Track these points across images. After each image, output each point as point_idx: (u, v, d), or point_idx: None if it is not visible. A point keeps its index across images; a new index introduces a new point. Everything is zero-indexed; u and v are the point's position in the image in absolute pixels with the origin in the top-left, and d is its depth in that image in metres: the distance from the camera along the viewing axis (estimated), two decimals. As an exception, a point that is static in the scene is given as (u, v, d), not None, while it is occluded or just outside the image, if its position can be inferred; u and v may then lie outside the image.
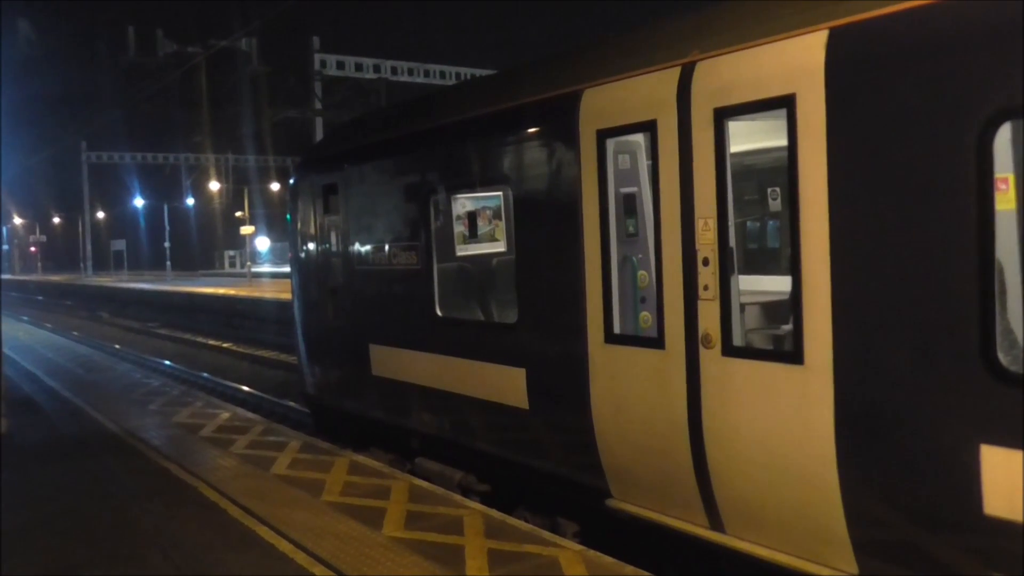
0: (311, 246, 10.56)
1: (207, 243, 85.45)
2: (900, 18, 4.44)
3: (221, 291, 38.72)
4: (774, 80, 5.00)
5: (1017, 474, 3.96)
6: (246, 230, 58.38)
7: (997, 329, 4.11)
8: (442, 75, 52.04)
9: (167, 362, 22.84)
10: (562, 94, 6.62)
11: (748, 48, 5.21)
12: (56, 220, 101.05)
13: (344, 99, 50.85)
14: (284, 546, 6.30)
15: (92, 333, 32.00)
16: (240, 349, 24.92)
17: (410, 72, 51.69)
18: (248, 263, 57.92)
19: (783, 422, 5.01)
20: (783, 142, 4.99)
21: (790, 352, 5.03)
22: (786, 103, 4.91)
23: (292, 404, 15.17)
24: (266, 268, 64.48)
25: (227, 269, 78.23)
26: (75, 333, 30.32)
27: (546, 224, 6.84)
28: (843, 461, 4.71)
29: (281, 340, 23.49)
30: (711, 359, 5.45)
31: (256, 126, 54.66)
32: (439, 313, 8.14)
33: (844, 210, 4.66)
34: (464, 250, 9.23)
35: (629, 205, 6.35)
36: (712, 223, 5.41)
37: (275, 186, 64.69)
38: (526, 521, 6.96)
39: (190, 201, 72.72)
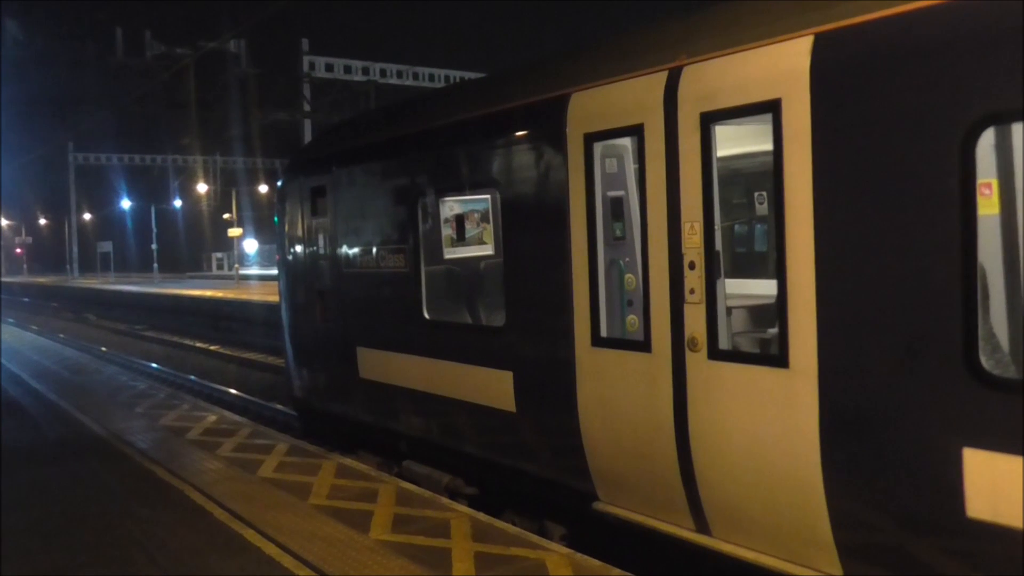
0: (299, 249, 10.54)
1: (195, 245, 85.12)
2: (884, 24, 4.47)
3: (208, 293, 38.61)
4: (760, 85, 5.03)
5: (999, 477, 4.00)
6: (234, 232, 58.19)
7: (980, 333, 4.14)
8: (431, 78, 52.08)
9: (154, 365, 22.74)
10: (550, 98, 6.64)
11: (734, 53, 5.24)
12: (43, 221, 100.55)
13: (333, 101, 50.81)
14: (271, 549, 6.29)
15: (78, 335, 31.84)
16: (227, 352, 24.82)
17: (399, 75, 51.71)
18: (236, 265, 57.74)
19: (768, 425, 5.03)
20: (769, 146, 5.02)
21: (775, 355, 5.06)
22: (772, 108, 4.93)
23: (279, 407, 15.13)
24: (254, 270, 64.32)
25: (215, 271, 77.96)
26: (61, 335, 30.15)
27: (534, 227, 6.85)
28: (828, 464, 4.73)
29: (268, 343, 23.43)
30: (697, 362, 5.48)
31: (244, 128, 54.54)
32: (427, 316, 8.15)
33: (829, 214, 4.69)
34: (452, 253, 9.23)
35: (616, 209, 6.37)
36: (698, 227, 5.43)
37: (263, 188, 64.54)
38: (513, 524, 6.96)
39: (178, 203, 72.47)
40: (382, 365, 8.81)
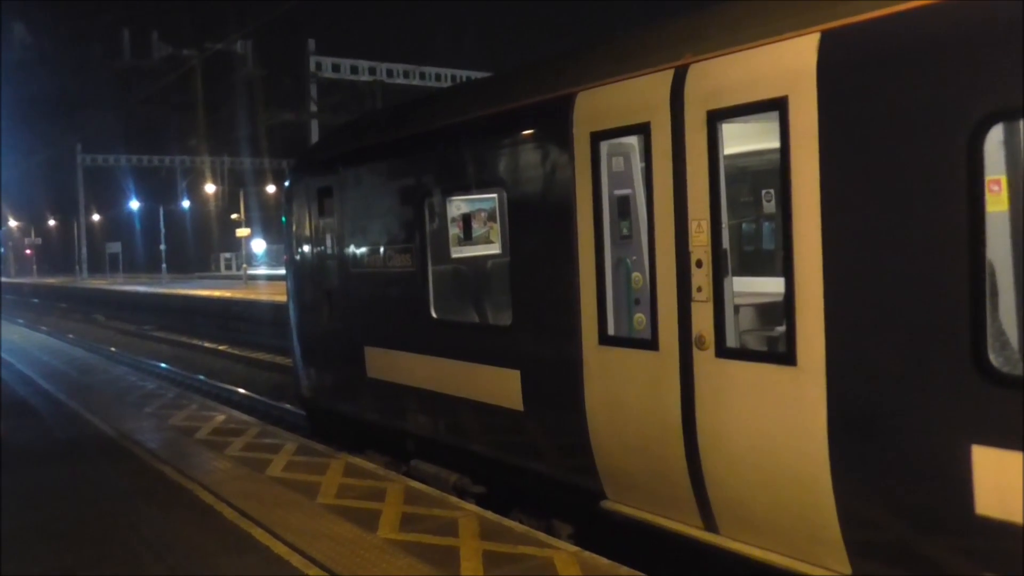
0: (306, 249, 10.56)
1: (203, 246, 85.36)
2: (891, 21, 4.46)
3: (217, 294, 38.70)
4: (766, 82, 5.02)
5: (1008, 474, 3.98)
6: (242, 232, 58.34)
7: (988, 330, 4.13)
8: (437, 77, 52.08)
9: (163, 365, 22.82)
10: (556, 97, 6.64)
11: (740, 51, 5.23)
12: (51, 223, 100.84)
13: (339, 102, 50.85)
14: (279, 548, 6.30)
15: (88, 336, 31.96)
16: (236, 351, 24.90)
17: (405, 75, 51.73)
18: (244, 265, 57.89)
19: (776, 423, 5.03)
20: (776, 144, 5.00)
21: (783, 353, 5.05)
22: (778, 105, 4.92)
23: (288, 406, 15.17)
24: (262, 270, 64.41)
25: (223, 271, 78.13)
26: (70, 336, 30.27)
27: (541, 226, 6.86)
28: (836, 461, 4.72)
29: (277, 342, 23.46)
30: (705, 360, 5.47)
31: (252, 129, 54.69)
32: (434, 315, 8.15)
33: (836, 212, 4.68)
34: (459, 252, 9.24)
35: (623, 207, 6.36)
36: (705, 225, 5.42)
37: (271, 188, 64.63)
38: (521, 523, 6.97)
39: (186, 204, 72.68)
40: (389, 364, 8.82)
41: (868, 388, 4.58)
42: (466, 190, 8.51)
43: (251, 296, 34.92)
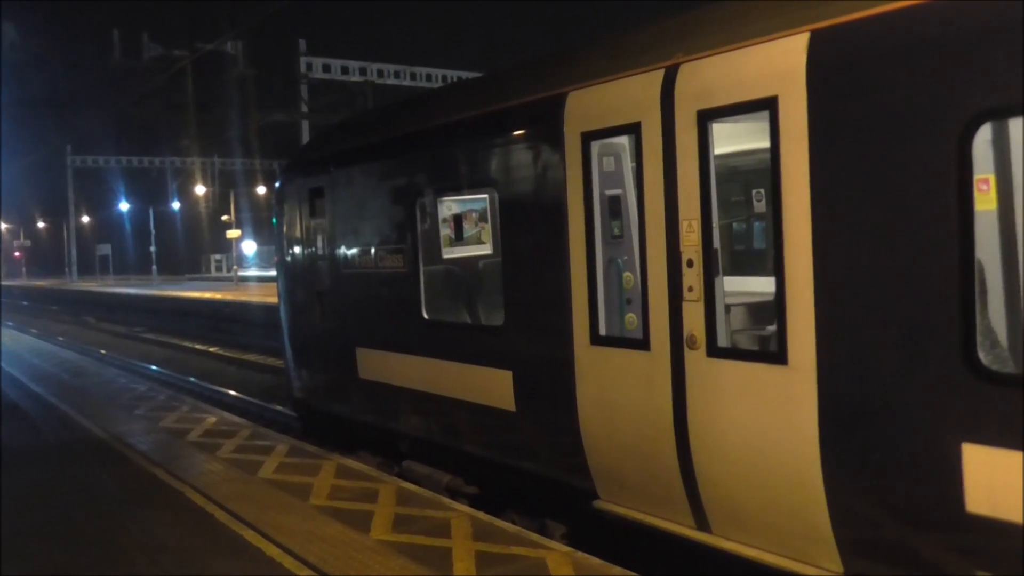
0: (297, 250, 10.54)
1: (193, 247, 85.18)
2: (880, 21, 4.47)
3: (207, 295, 38.62)
4: (756, 82, 5.03)
5: (998, 472, 4.00)
6: (232, 234, 58.22)
7: (978, 329, 4.15)
8: (428, 78, 51.98)
9: (153, 367, 22.73)
10: (547, 97, 6.64)
11: (731, 50, 5.24)
12: (41, 225, 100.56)
13: (331, 102, 50.74)
14: (271, 550, 6.29)
15: (78, 338, 31.82)
16: (227, 353, 24.82)
17: (396, 75, 51.61)
18: (235, 267, 57.79)
19: (768, 422, 5.04)
20: (767, 143, 5.02)
21: (774, 353, 5.06)
22: (768, 105, 4.94)
23: (279, 408, 15.12)
24: (253, 272, 64.30)
25: (213, 273, 77.97)
26: (60, 338, 30.12)
27: (532, 226, 6.86)
28: (827, 460, 4.74)
29: (268, 344, 23.42)
30: (696, 360, 5.48)
31: (242, 129, 54.52)
32: (426, 316, 8.15)
33: (826, 211, 4.69)
34: (450, 253, 9.23)
35: (614, 207, 6.37)
36: (696, 225, 5.44)
37: (262, 189, 64.52)
38: (514, 523, 6.97)
39: (176, 205, 72.48)
40: (381, 365, 8.81)
41: (859, 387, 4.59)
42: (457, 190, 8.51)
43: (242, 298, 34.85)
